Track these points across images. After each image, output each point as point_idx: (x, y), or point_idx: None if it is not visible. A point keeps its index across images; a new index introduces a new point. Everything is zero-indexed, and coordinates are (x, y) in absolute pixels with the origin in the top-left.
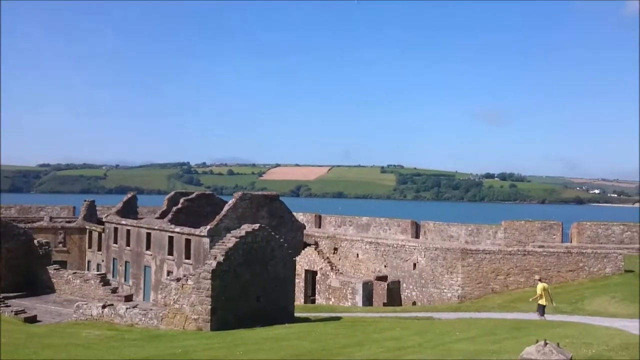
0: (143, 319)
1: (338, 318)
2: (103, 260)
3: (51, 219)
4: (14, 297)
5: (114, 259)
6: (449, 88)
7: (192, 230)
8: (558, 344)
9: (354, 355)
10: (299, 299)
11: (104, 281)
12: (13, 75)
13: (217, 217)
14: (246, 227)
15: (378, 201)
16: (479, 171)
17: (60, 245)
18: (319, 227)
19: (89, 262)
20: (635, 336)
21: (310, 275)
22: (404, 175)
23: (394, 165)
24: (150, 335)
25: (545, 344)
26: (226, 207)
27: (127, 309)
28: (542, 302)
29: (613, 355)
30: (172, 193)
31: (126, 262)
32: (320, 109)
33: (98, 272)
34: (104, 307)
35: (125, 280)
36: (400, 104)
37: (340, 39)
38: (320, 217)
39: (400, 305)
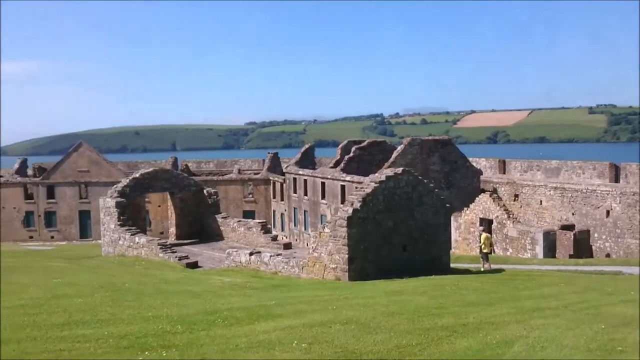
0: (285, 267)
1: (500, 270)
2: (286, 210)
3: (239, 171)
4: (187, 244)
5: (294, 208)
6: None
7: (362, 179)
8: None
9: (467, 316)
10: (475, 250)
11: (265, 229)
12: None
13: (385, 165)
14: (387, 172)
15: (585, 145)
16: None
17: (250, 196)
18: (504, 172)
19: (274, 211)
20: None
21: (486, 224)
22: (617, 116)
23: (605, 105)
24: (272, 284)
25: None
26: (395, 154)
27: (270, 256)
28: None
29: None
30: (345, 142)
31: (305, 211)
32: (514, 48)
33: (259, 221)
34: (251, 254)
35: (305, 228)
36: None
37: None
38: (504, 162)
39: (591, 257)
